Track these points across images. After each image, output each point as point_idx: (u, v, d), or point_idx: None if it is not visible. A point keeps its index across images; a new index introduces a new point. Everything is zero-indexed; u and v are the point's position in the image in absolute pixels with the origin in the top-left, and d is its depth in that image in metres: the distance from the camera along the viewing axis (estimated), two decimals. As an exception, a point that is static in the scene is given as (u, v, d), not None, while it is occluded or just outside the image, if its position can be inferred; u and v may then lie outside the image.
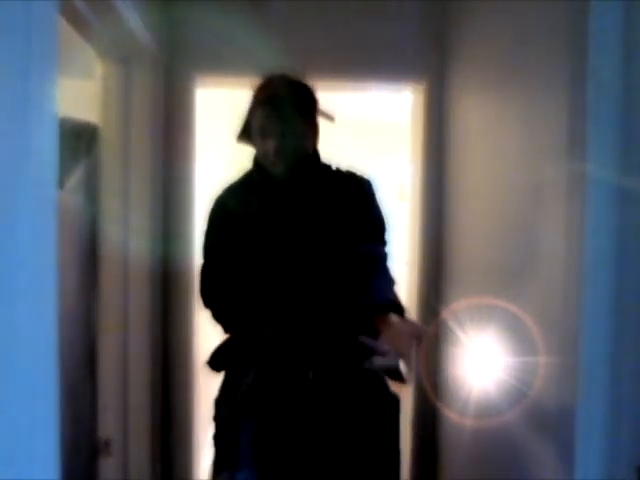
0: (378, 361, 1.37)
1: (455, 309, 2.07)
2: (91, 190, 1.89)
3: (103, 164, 1.97)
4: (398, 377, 1.45)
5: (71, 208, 1.75)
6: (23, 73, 0.75)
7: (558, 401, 1.25)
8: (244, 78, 2.30)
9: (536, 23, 1.45)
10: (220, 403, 1.57)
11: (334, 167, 1.61)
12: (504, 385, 1.54)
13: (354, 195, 1.56)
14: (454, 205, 2.25)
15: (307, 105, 1.55)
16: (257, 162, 1.57)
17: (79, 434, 1.79)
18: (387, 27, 2.35)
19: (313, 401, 1.47)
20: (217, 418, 1.56)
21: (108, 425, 1.97)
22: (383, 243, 1.57)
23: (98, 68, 1.97)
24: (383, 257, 1.54)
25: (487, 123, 1.86)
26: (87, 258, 1.88)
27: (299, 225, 1.50)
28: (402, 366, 1.40)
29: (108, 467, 1.95)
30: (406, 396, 2.36)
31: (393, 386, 1.54)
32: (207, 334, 1.93)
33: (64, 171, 1.62)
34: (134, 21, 1.76)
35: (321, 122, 1.61)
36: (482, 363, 1.71)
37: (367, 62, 2.37)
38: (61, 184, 1.59)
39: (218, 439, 1.55)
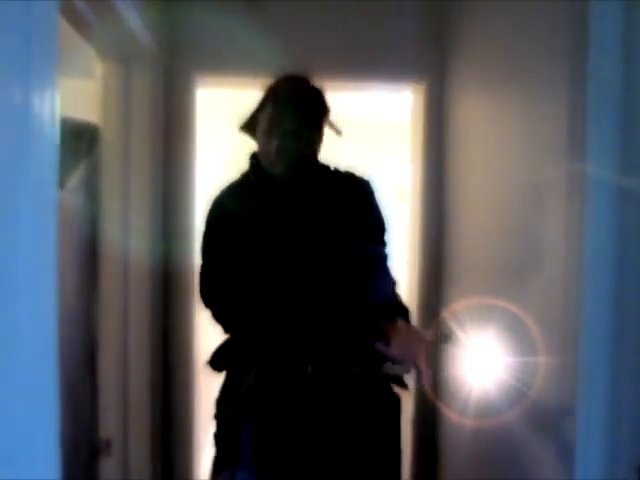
0: (392, 369, 1.39)
1: (455, 309, 2.07)
2: (91, 190, 1.89)
3: (103, 164, 1.97)
4: (401, 383, 1.47)
5: (71, 208, 1.74)
6: (23, 73, 0.75)
7: (558, 401, 1.25)
8: (244, 78, 2.32)
9: (536, 23, 1.44)
10: (221, 403, 1.57)
11: (333, 167, 1.60)
12: (504, 385, 1.54)
13: (353, 196, 1.56)
14: (454, 205, 2.25)
15: (319, 112, 1.54)
16: (254, 162, 1.57)
17: (79, 434, 1.78)
18: (387, 27, 2.35)
19: (312, 396, 1.47)
20: (218, 417, 1.57)
21: (108, 425, 1.97)
22: (383, 243, 1.57)
23: (98, 68, 1.97)
24: (383, 257, 1.54)
25: (487, 123, 1.86)
26: (87, 258, 1.88)
27: (298, 225, 1.50)
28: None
29: (108, 467, 1.95)
30: (406, 396, 2.36)
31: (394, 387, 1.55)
32: (207, 334, 1.93)
33: (64, 171, 1.62)
34: (134, 21, 1.76)
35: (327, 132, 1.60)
36: (482, 363, 1.70)
37: (367, 62, 2.37)
38: (61, 184, 1.59)
39: (219, 438, 1.56)
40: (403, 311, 1.52)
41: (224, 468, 1.51)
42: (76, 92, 1.76)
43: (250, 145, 1.59)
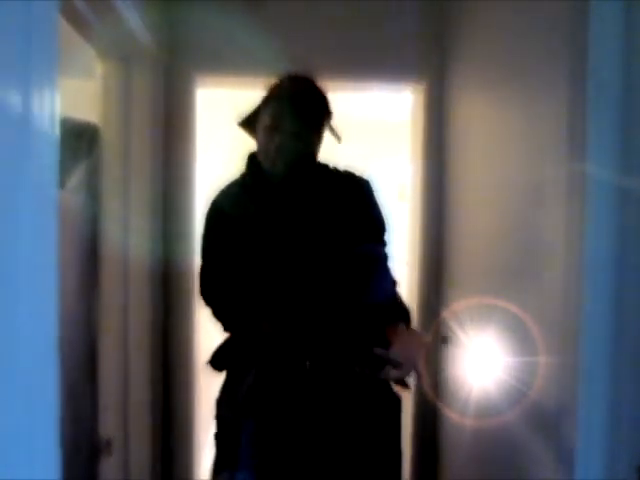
0: (392, 373, 1.39)
1: (455, 309, 2.07)
2: (92, 190, 1.89)
3: (103, 164, 1.97)
4: (402, 382, 1.47)
5: (72, 208, 1.75)
6: (23, 73, 0.75)
7: (558, 401, 1.25)
8: (244, 78, 2.32)
9: (536, 23, 1.44)
10: (221, 403, 1.57)
11: (332, 167, 1.60)
12: (504, 385, 1.54)
13: (353, 195, 1.56)
14: (454, 205, 2.25)
15: (320, 114, 1.54)
16: (251, 161, 1.57)
17: (79, 434, 1.78)
18: (387, 27, 2.35)
19: (312, 395, 1.47)
20: (218, 418, 1.57)
21: (109, 425, 1.97)
22: (383, 243, 1.57)
23: (98, 68, 1.97)
24: (383, 257, 1.54)
25: (487, 123, 1.86)
26: (87, 258, 1.88)
27: (297, 225, 1.50)
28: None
29: (109, 467, 1.95)
30: (407, 396, 2.36)
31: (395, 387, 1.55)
32: (208, 333, 1.93)
33: (65, 171, 1.62)
34: (134, 21, 1.76)
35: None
36: (482, 363, 1.71)
37: (367, 62, 2.37)
38: (62, 184, 1.59)
39: (219, 439, 1.56)
40: (403, 311, 1.52)
41: (224, 469, 1.51)
42: (76, 92, 1.76)
43: (249, 145, 1.59)
